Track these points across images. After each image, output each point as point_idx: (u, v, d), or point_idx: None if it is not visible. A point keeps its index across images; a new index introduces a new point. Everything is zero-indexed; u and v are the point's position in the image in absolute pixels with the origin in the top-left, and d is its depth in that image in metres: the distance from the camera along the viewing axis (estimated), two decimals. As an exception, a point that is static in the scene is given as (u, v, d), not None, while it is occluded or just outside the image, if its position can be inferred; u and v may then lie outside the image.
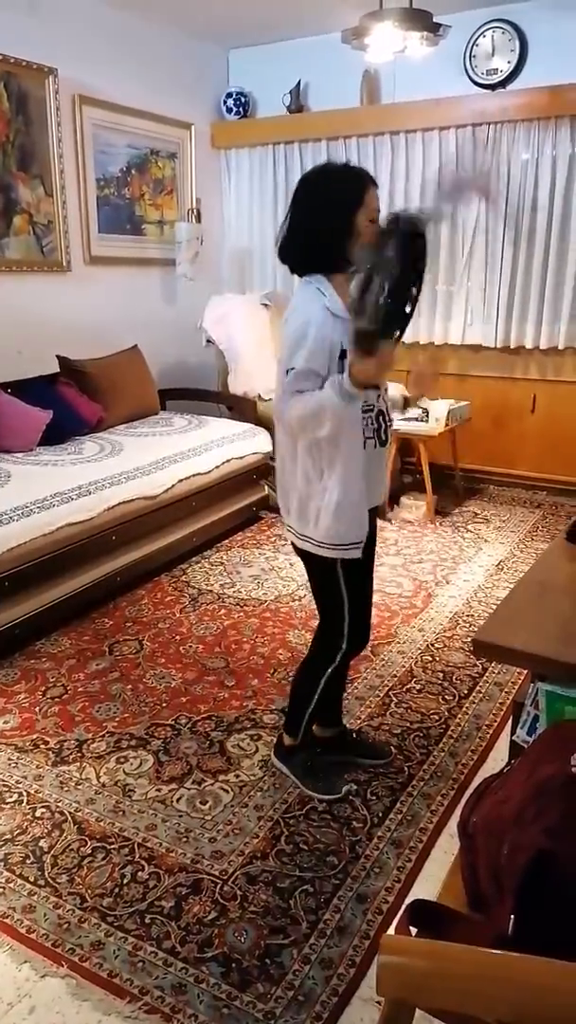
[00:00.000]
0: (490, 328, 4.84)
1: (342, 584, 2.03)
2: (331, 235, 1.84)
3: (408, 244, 1.60)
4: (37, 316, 4.26)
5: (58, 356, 4.26)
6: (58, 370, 4.24)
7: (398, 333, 1.69)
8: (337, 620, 2.09)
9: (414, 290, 1.65)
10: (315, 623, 3.19)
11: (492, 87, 4.54)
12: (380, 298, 1.56)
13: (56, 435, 3.87)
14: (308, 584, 2.19)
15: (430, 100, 4.61)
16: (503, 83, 4.51)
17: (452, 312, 4.95)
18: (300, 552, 2.08)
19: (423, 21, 3.35)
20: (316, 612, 2.19)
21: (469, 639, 3.02)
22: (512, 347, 4.83)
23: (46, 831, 2.07)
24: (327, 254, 1.86)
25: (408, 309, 1.65)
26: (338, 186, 1.88)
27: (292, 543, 2.10)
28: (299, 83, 5.07)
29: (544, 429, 4.85)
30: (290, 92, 5.08)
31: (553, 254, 4.56)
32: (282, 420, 1.91)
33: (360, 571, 2.06)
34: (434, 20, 3.38)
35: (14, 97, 3.96)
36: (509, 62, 4.45)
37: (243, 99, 5.31)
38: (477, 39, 4.50)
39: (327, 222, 1.85)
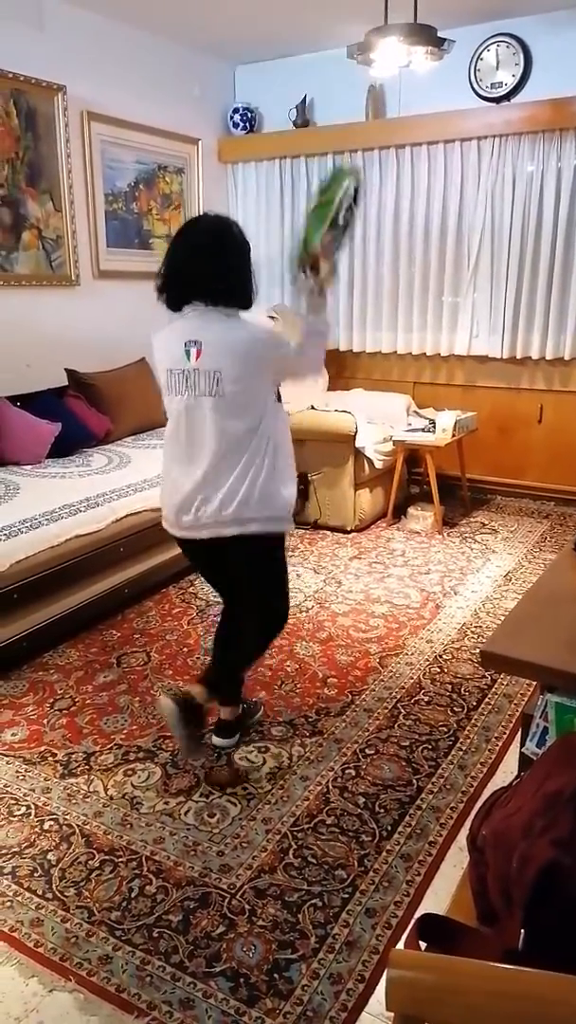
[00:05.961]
0: (496, 339, 4.85)
1: (286, 554, 2.35)
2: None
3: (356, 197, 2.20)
4: (46, 330, 4.29)
5: (66, 369, 4.29)
6: (66, 383, 4.27)
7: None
8: (286, 591, 2.37)
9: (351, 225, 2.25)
10: (323, 635, 3.21)
11: (497, 100, 4.57)
12: (348, 225, 2.20)
13: (64, 447, 3.90)
14: (251, 582, 2.32)
15: (435, 114, 4.65)
16: (507, 96, 4.55)
17: (458, 323, 4.97)
18: (239, 548, 2.20)
19: (428, 36, 3.38)
20: (259, 609, 2.37)
21: (477, 650, 3.01)
22: (518, 357, 4.83)
23: (54, 844, 2.06)
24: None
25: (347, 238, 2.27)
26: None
27: (227, 544, 2.19)
28: (305, 98, 5.12)
29: (551, 439, 4.85)
30: (296, 107, 5.13)
31: (558, 265, 4.57)
32: (313, 366, 2.28)
33: None
34: (438, 35, 3.41)
35: (23, 114, 4.01)
36: (513, 75, 4.49)
37: (249, 114, 5.36)
38: (481, 53, 4.54)
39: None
